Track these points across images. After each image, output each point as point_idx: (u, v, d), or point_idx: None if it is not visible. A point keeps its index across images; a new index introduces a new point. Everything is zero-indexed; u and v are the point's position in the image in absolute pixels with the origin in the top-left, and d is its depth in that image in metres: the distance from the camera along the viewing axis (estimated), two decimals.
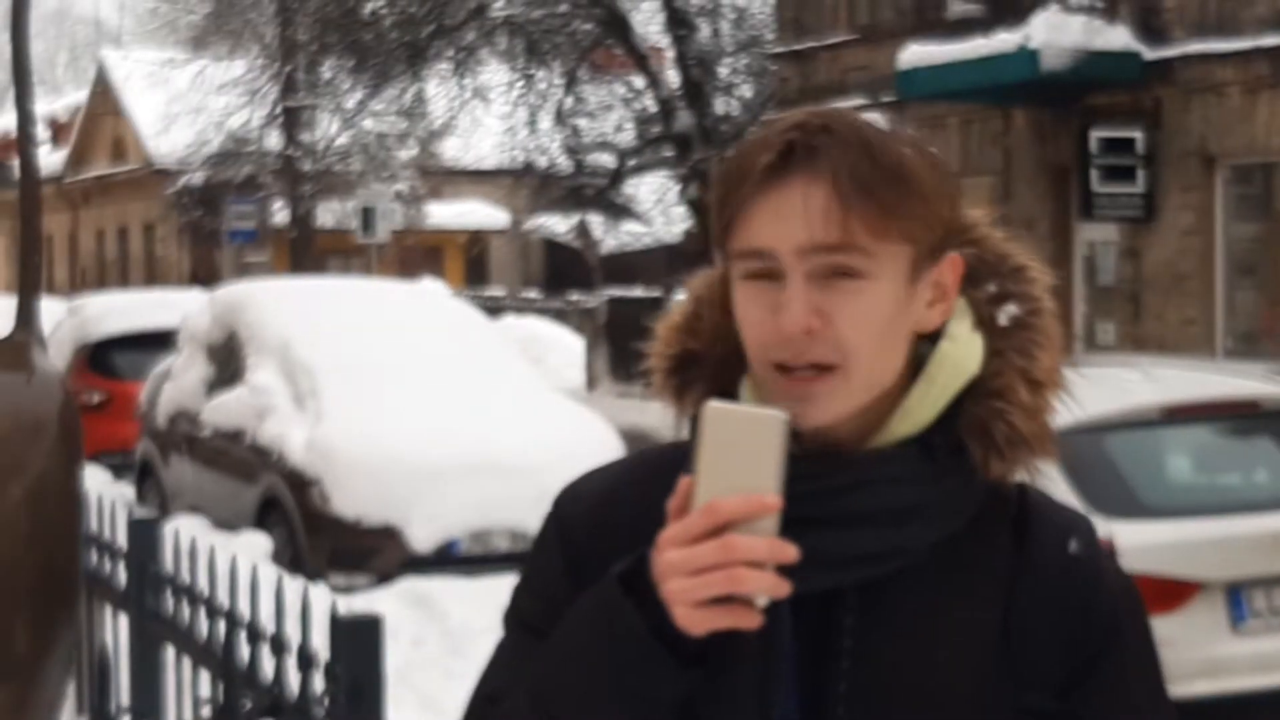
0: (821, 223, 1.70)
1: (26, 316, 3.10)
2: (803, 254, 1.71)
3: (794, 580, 1.66)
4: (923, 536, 1.74)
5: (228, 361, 13.07)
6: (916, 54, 20.39)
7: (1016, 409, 1.77)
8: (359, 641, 3.53)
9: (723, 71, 31.51)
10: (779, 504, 1.64)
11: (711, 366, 1.84)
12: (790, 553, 1.64)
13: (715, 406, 1.67)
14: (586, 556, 1.81)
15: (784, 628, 1.73)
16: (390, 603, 9.18)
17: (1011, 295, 1.83)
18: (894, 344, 1.75)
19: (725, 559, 1.63)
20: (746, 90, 31.79)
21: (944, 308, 1.79)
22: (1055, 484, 6.80)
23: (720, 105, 31.25)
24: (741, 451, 1.65)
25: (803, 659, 1.75)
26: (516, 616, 1.88)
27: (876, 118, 1.79)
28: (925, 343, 1.80)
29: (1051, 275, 1.87)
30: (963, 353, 1.79)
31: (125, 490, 14.27)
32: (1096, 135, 19.17)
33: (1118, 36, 19.06)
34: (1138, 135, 19.13)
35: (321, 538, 11.15)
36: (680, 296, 1.95)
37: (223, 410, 12.63)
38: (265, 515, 11.73)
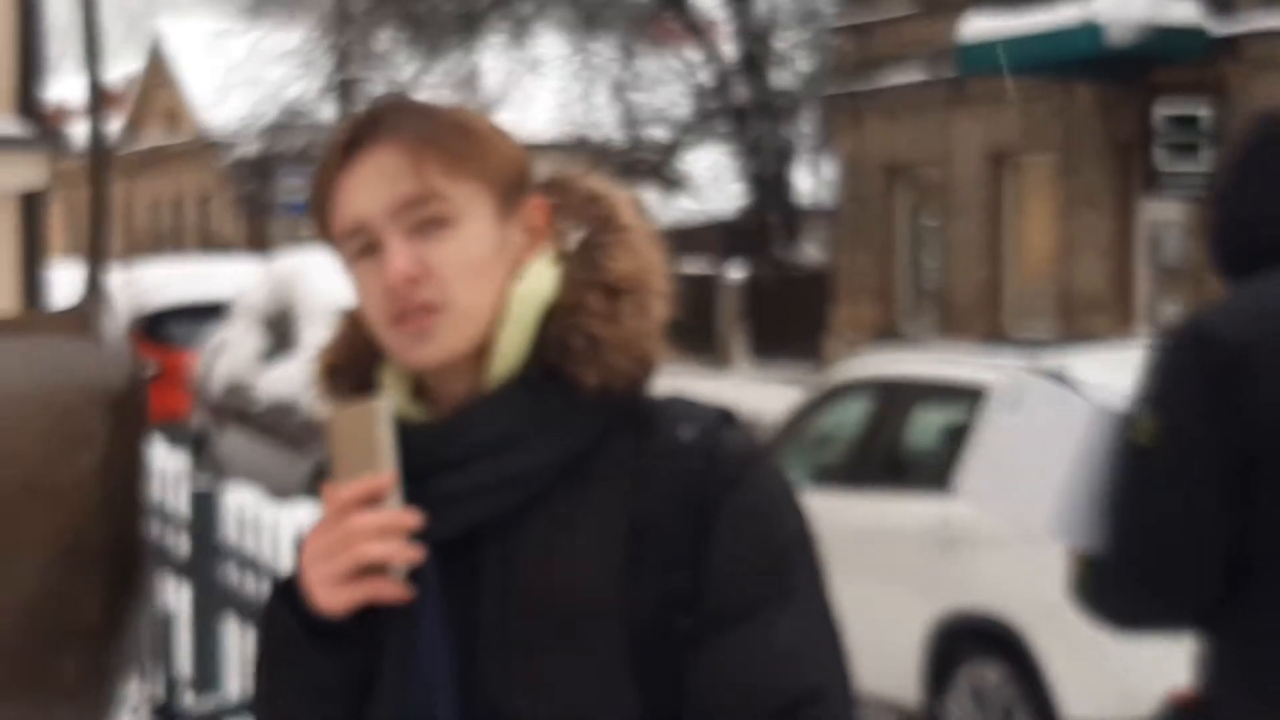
0: (400, 179, 1.86)
1: (96, 285, 3.09)
2: (392, 214, 1.86)
3: (429, 528, 1.83)
4: (536, 459, 1.86)
5: (282, 332, 13.12)
6: (978, 27, 20.26)
7: (590, 317, 1.88)
8: None
9: (780, 44, 31.43)
10: (390, 480, 1.82)
11: (349, 372, 1.98)
12: (409, 519, 1.82)
13: (330, 411, 1.89)
14: None
15: (429, 578, 1.85)
16: None
17: (583, 222, 1.96)
18: (493, 281, 1.89)
19: (348, 537, 1.81)
20: (804, 63, 31.69)
21: (538, 250, 1.94)
22: None
23: (777, 78, 31.18)
24: (357, 442, 1.84)
25: (456, 597, 1.86)
26: None
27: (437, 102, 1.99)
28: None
29: (629, 194, 2.00)
30: (533, 285, 1.90)
31: (180, 460, 14.34)
32: (1161, 112, 19.01)
33: (1184, 11, 18.88)
34: (1203, 112, 18.97)
35: None
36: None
37: (277, 381, 12.68)
38: (318, 486, 11.76)
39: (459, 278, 1.86)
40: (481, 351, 1.88)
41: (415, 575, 1.84)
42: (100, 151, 3.11)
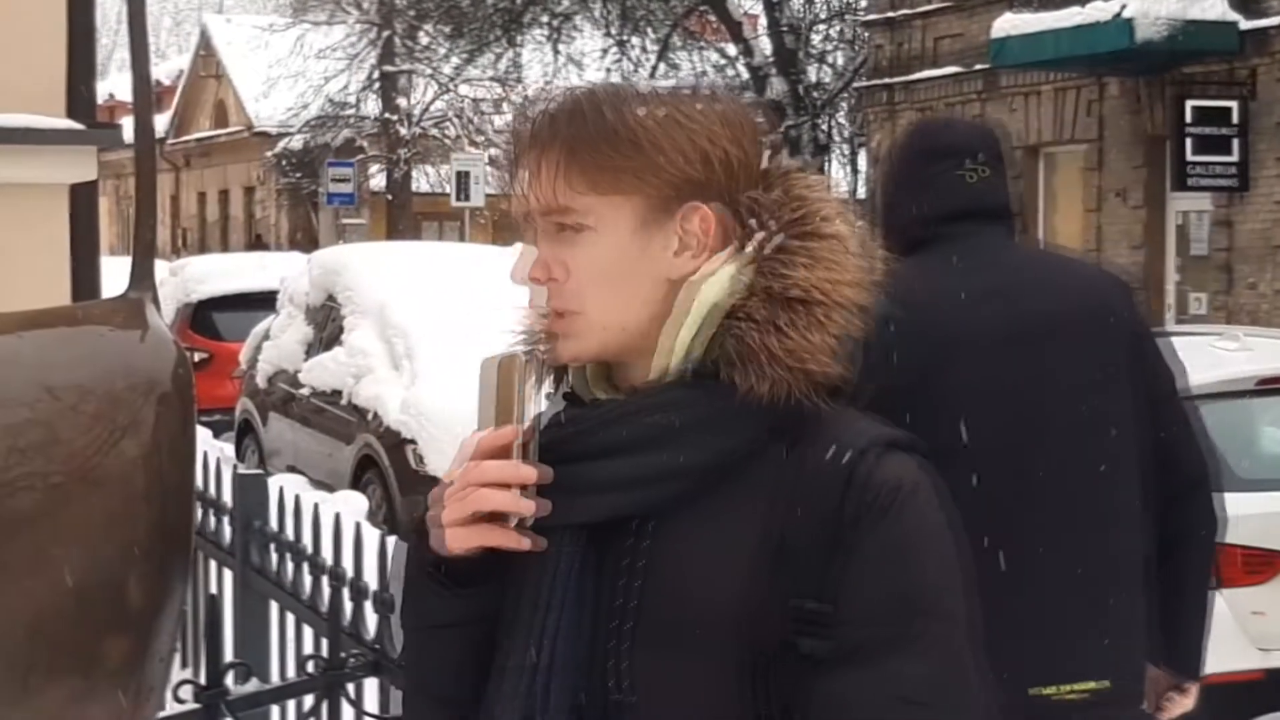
0: (542, 188, 1.90)
1: (142, 275, 3.18)
2: (534, 217, 1.92)
3: (572, 510, 1.85)
4: (688, 460, 1.84)
5: (326, 323, 13.21)
6: (1010, 22, 20.29)
7: (758, 326, 1.85)
8: None
9: (815, 39, 31.44)
10: (515, 433, 1.84)
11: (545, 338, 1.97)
12: (527, 472, 1.83)
13: (482, 358, 1.88)
14: None
15: (558, 549, 1.87)
16: None
17: (782, 226, 1.90)
18: (630, 288, 1.89)
19: (470, 482, 1.83)
20: (839, 58, 31.70)
21: (699, 254, 1.89)
22: None
23: (813, 73, 31.19)
24: (498, 393, 1.86)
25: (594, 583, 1.87)
26: None
27: (643, 85, 1.95)
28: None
29: (838, 201, 1.94)
30: (707, 286, 1.88)
31: (224, 448, 14.44)
32: (1191, 105, 19.02)
33: (1214, 6, 18.88)
34: (1233, 105, 18.96)
35: (416, 497, 11.26)
36: None
37: (320, 371, 12.76)
38: (361, 475, 11.86)
39: (589, 286, 1.88)
40: (642, 338, 1.89)
41: (555, 554, 1.87)
42: (146, 142, 3.20)
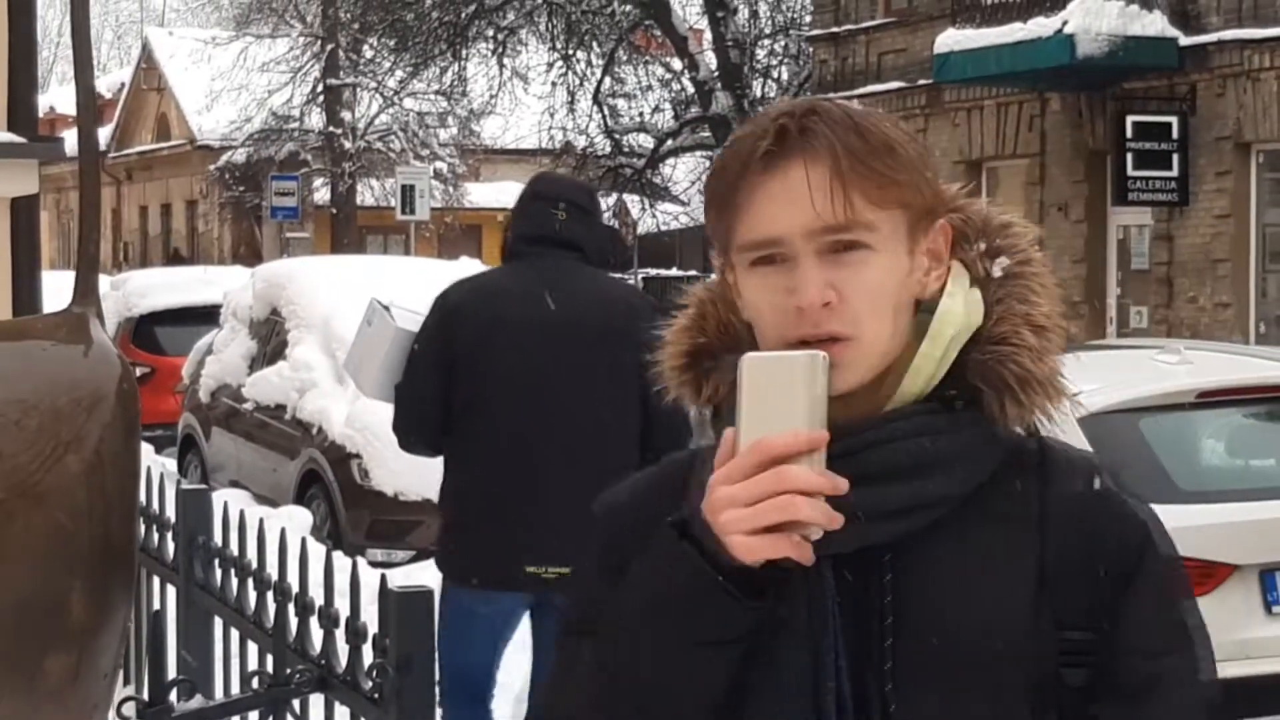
0: (825, 203, 1.76)
1: (86, 289, 3.17)
2: (811, 235, 1.76)
3: (825, 540, 1.71)
4: (948, 489, 1.78)
5: (269, 337, 13.17)
6: (953, 38, 20.43)
7: (1024, 351, 1.81)
8: (410, 614, 3.58)
9: (760, 54, 31.52)
10: (825, 438, 1.69)
11: (720, 356, 1.89)
12: (842, 484, 1.69)
13: (753, 356, 1.73)
14: (625, 557, 1.83)
15: (827, 580, 1.77)
16: (429, 576, 9.23)
17: (1000, 250, 1.88)
18: (900, 311, 1.80)
19: (779, 488, 1.67)
20: (784, 73, 31.79)
21: (940, 274, 1.84)
22: None
23: (758, 88, 31.26)
24: (781, 395, 1.69)
25: (844, 619, 1.78)
26: (566, 630, 1.93)
27: (854, 103, 1.87)
28: (923, 312, 1.84)
29: (1035, 230, 1.93)
30: (963, 307, 1.83)
31: (167, 463, 14.36)
32: (1132, 120, 19.18)
33: (1154, 22, 19.06)
34: (1173, 120, 19.13)
35: (361, 512, 11.24)
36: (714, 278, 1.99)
37: (264, 385, 12.71)
38: (305, 490, 11.82)
39: (869, 309, 1.77)
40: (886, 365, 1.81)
41: (816, 583, 1.77)
42: (90, 155, 3.18)
